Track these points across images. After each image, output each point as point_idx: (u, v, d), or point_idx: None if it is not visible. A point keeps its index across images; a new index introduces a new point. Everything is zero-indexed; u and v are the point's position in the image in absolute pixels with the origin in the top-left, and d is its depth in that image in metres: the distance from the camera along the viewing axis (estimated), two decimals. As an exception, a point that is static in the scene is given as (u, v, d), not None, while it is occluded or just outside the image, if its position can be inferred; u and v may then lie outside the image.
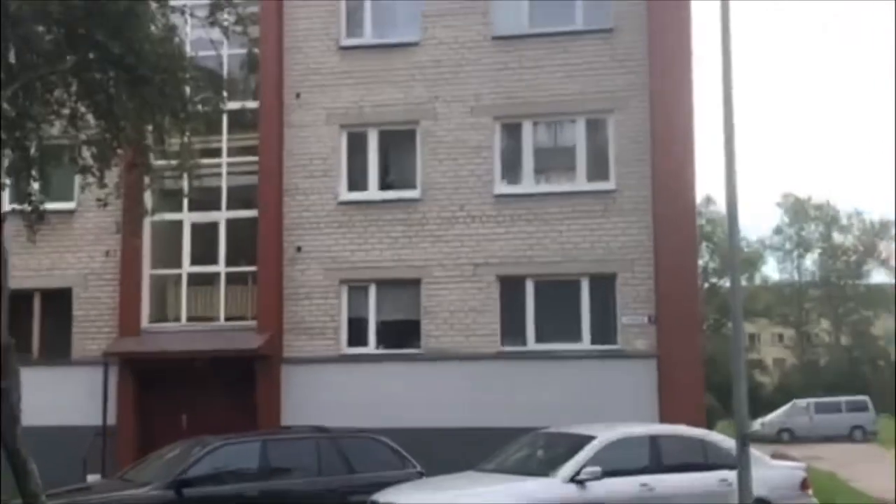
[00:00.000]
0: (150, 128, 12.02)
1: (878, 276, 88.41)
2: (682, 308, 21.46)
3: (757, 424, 51.56)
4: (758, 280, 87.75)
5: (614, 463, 13.49)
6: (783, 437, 49.07)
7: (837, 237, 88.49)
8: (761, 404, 60.65)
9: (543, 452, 14.42)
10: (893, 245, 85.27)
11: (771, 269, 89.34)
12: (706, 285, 69.30)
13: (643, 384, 21.12)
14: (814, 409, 52.71)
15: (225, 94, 13.85)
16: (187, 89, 11.86)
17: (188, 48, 15.63)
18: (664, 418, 19.54)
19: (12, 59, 11.27)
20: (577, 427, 14.78)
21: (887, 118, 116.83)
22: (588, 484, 13.16)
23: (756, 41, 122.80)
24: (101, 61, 11.10)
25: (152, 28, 11.18)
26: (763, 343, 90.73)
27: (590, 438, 13.81)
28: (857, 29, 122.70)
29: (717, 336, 64.55)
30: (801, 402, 54.55)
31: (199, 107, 12.22)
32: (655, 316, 21.57)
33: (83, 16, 10.66)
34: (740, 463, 11.01)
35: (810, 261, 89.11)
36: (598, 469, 13.26)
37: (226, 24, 11.45)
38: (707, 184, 57.63)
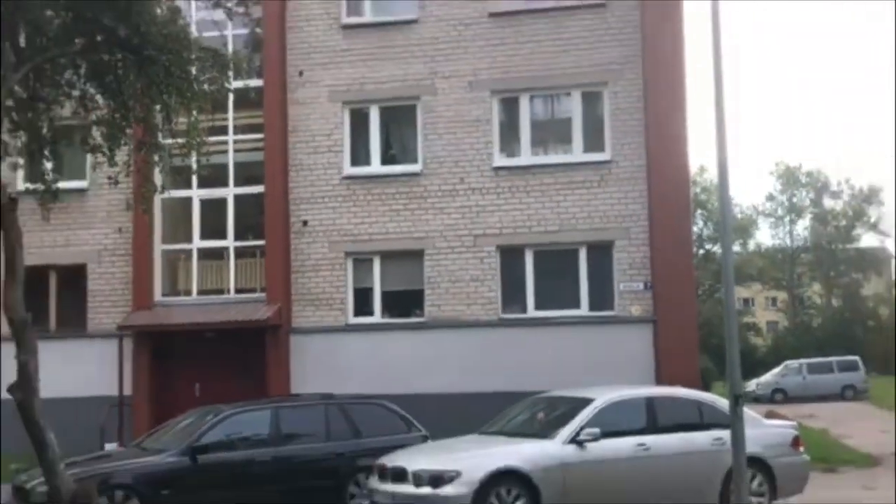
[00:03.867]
0: (157, 107, 12.01)
1: (868, 240, 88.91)
2: (677, 274, 21.49)
3: (751, 385, 51.80)
4: (751, 246, 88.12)
5: (612, 424, 13.49)
6: (777, 398, 49.23)
7: (828, 203, 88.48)
8: (755, 366, 60.92)
9: (544, 415, 14.41)
10: (882, 209, 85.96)
11: (764, 235, 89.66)
12: (701, 252, 69.53)
13: (640, 348, 21.23)
14: (806, 370, 52.81)
15: (230, 73, 13.79)
16: (193, 69, 11.84)
17: (193, 29, 15.69)
18: (660, 381, 19.59)
19: (22, 42, 11.25)
20: (575, 390, 14.78)
21: (879, 86, 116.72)
22: (587, 445, 13.16)
23: (749, 13, 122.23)
24: (108, 43, 11.10)
25: (157, 10, 11.16)
26: (757, 306, 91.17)
27: (588, 401, 13.83)
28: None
29: (712, 301, 64.84)
30: (794, 364, 54.65)
31: (205, 86, 12.22)
32: (651, 282, 21.61)
33: (89, 1, 10.66)
34: (734, 422, 11.07)
35: (801, 226, 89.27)
36: (596, 430, 13.27)
37: (228, 5, 11.45)
38: (700, 153, 57.63)
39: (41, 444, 9.44)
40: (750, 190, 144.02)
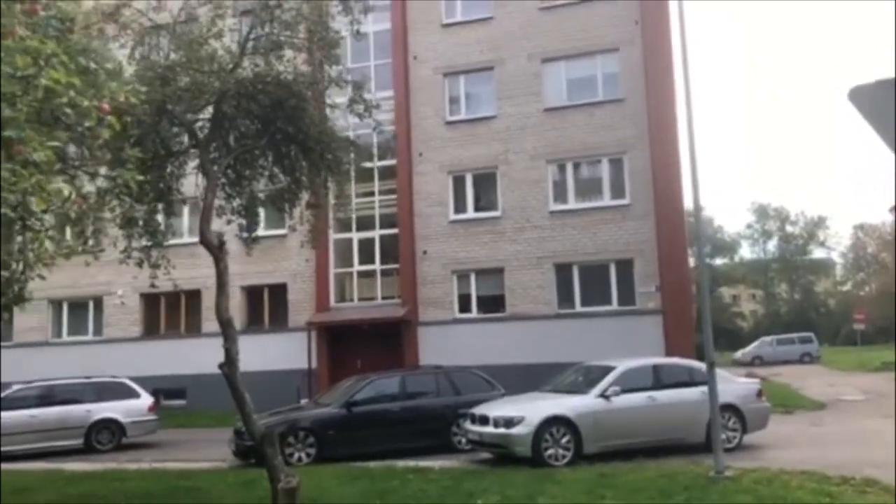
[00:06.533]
0: (317, 180, 12.01)
1: (818, 253, 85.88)
2: (677, 281, 20.90)
3: (738, 354, 50.28)
4: (737, 259, 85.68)
5: (629, 383, 13.07)
6: (755, 363, 47.27)
7: (789, 228, 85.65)
8: (742, 341, 59.05)
9: (583, 378, 14.02)
10: (827, 232, 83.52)
11: (745, 252, 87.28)
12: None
13: (653, 331, 20.60)
14: (776, 343, 50.72)
15: (375, 155, 13.70)
16: (339, 155, 11.79)
17: (351, 130, 15.80)
18: (668, 354, 18.87)
19: (231, 141, 11.40)
20: (603, 361, 14.36)
21: (824, 139, 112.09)
22: (612, 398, 12.78)
23: (737, 87, 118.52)
24: (283, 139, 11.15)
25: (314, 116, 11.19)
26: (742, 300, 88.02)
27: (612, 368, 13.42)
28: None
29: (709, 297, 63.01)
30: (767, 339, 52.63)
31: (346, 165, 12.19)
32: (660, 286, 20.94)
33: (271, 112, 10.76)
34: (709, 381, 10.53)
35: (771, 245, 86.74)
36: (618, 388, 12.88)
37: (359, 111, 11.38)
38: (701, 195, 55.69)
39: (241, 402, 9.40)
40: (734, 220, 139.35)
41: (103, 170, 7.65)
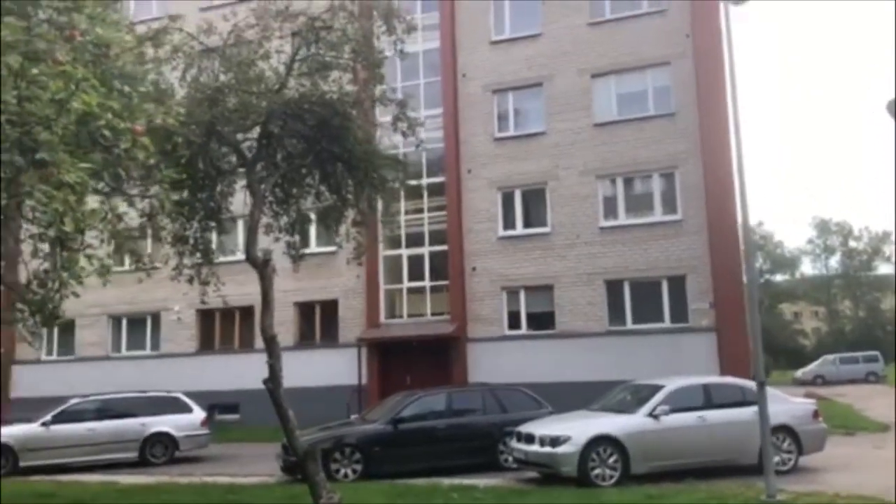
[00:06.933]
0: (363, 197, 12.11)
1: (883, 269, 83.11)
2: (731, 297, 20.40)
3: (799, 373, 48.93)
4: (798, 275, 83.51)
5: (678, 402, 12.75)
6: (817, 382, 45.82)
7: (852, 244, 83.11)
8: (804, 359, 57.43)
9: (631, 397, 13.74)
10: (894, 247, 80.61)
11: (807, 268, 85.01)
12: (761, 280, 65.88)
13: (707, 350, 20.16)
14: (839, 362, 49.02)
15: (424, 172, 13.75)
16: (384, 173, 11.89)
17: (400, 148, 15.93)
18: (723, 373, 18.40)
19: (279, 160, 11.58)
20: (653, 379, 14.06)
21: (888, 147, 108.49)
22: (661, 417, 12.50)
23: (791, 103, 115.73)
24: (329, 158, 11.30)
25: (358, 135, 11.30)
26: (805, 317, 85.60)
27: (661, 387, 13.12)
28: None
29: (769, 314, 61.38)
30: (830, 357, 50.88)
31: (391, 183, 12.27)
32: (714, 303, 20.53)
33: (317, 131, 10.91)
34: (759, 401, 10.24)
35: (834, 261, 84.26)
36: (667, 407, 12.59)
37: (402, 129, 11.46)
38: (757, 211, 54.43)
39: (284, 418, 9.50)
40: (795, 236, 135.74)
41: (154, 189, 7.87)
